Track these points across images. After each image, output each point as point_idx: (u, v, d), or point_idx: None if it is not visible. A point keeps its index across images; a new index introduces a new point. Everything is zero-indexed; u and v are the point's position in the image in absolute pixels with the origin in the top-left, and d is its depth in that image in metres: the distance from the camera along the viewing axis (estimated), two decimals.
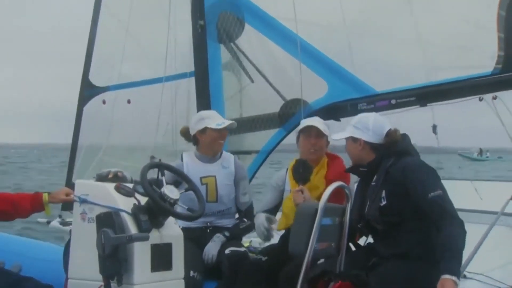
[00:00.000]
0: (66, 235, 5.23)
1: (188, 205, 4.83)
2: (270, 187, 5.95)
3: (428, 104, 6.41)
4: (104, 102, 8.20)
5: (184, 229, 5.50)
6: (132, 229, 4.51)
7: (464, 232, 4.34)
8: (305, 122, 5.73)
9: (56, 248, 6.23)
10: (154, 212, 4.59)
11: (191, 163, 5.86)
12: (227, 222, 5.87)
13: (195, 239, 5.66)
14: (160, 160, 5.27)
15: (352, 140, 4.90)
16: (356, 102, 6.69)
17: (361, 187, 4.91)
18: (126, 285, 4.48)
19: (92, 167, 7.92)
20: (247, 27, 7.27)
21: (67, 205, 6.15)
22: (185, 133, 5.96)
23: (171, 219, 4.77)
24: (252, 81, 7.43)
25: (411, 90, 6.52)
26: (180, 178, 5.13)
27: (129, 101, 8.02)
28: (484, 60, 6.15)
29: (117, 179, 4.88)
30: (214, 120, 5.81)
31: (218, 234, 5.70)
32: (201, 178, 5.76)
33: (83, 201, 4.69)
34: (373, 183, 4.78)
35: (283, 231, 5.75)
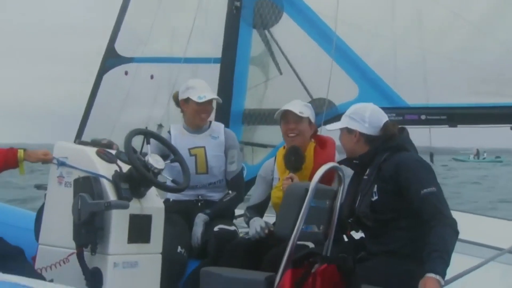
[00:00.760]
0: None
1: (176, 178, 4.74)
2: (258, 179, 5.78)
3: (458, 126, 6.38)
4: (126, 73, 8.11)
5: (174, 202, 5.56)
6: (112, 196, 4.46)
7: (456, 233, 4.25)
8: (283, 107, 5.55)
9: (31, 215, 5.99)
10: (136, 181, 4.52)
11: (178, 135, 5.76)
12: (219, 196, 5.77)
13: (185, 213, 5.59)
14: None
15: (347, 131, 4.80)
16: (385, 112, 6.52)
17: (354, 180, 4.80)
18: (100, 255, 4.44)
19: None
20: (285, 16, 7.17)
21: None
22: (175, 98, 5.87)
23: (153, 190, 4.70)
24: (281, 73, 7.33)
25: (443, 109, 6.43)
26: (166, 148, 5.05)
27: (152, 77, 7.95)
28: None
29: (110, 148, 4.82)
30: (197, 91, 5.67)
31: (199, 214, 5.57)
32: (189, 149, 5.65)
33: (62, 163, 4.63)
34: (365, 177, 4.67)
35: None
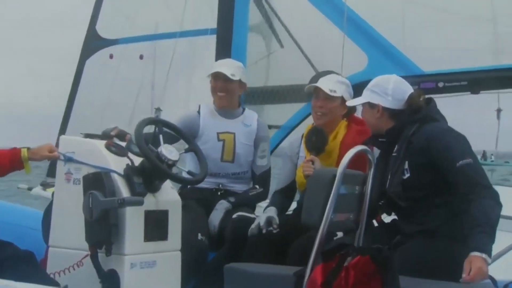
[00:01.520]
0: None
1: (194, 168, 4.62)
2: (284, 159, 5.62)
3: (481, 92, 6.14)
4: (111, 56, 7.88)
5: (192, 189, 5.41)
6: (124, 192, 4.32)
7: (499, 205, 4.14)
8: (316, 83, 5.33)
9: (36, 213, 5.94)
10: (150, 174, 4.39)
11: (208, 116, 5.62)
12: (240, 188, 5.62)
13: (203, 201, 5.45)
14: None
15: (369, 106, 4.68)
16: None
17: (381, 160, 4.70)
18: (116, 255, 4.32)
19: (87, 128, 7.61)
20: None
21: (53, 170, 5.84)
22: None
23: (167, 183, 4.56)
24: (282, 46, 7.15)
25: (463, 74, 6.19)
26: (179, 137, 4.88)
27: (141, 57, 7.80)
28: None
29: (122, 139, 4.64)
30: (215, 67, 5.59)
31: (221, 201, 5.44)
32: (218, 133, 5.54)
33: (69, 159, 4.49)
34: (394, 154, 4.58)
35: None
